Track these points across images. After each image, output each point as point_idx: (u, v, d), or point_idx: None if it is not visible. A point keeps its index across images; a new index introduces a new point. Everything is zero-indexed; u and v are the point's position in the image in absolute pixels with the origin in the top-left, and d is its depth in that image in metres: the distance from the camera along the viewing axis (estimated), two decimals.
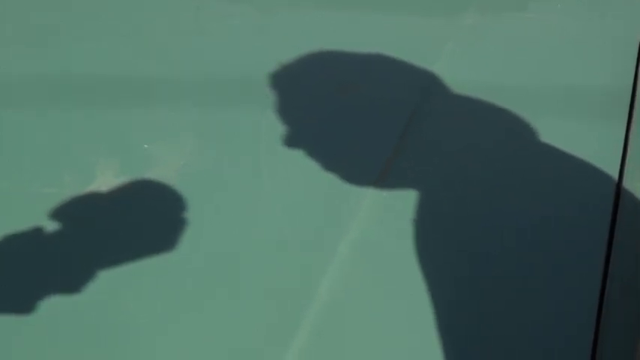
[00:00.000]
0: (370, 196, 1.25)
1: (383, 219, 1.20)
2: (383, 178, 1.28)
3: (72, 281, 1.07)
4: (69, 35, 1.70)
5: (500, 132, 1.40)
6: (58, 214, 1.18)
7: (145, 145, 1.35)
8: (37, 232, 1.15)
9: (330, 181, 1.27)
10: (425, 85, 1.51)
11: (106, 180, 1.26)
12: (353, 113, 1.46)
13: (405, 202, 1.23)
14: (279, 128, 1.38)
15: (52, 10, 1.79)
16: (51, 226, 1.16)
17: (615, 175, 1.26)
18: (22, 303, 1.04)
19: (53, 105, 1.48)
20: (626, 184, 1.24)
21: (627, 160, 1.29)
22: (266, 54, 1.56)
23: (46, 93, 1.51)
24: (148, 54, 1.62)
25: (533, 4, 1.85)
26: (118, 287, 1.07)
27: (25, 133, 1.39)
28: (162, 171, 1.29)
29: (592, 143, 1.35)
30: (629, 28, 1.69)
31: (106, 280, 1.08)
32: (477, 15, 1.79)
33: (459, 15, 1.78)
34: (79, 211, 1.20)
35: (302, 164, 1.31)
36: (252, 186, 1.28)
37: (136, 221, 1.20)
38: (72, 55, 1.62)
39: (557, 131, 1.37)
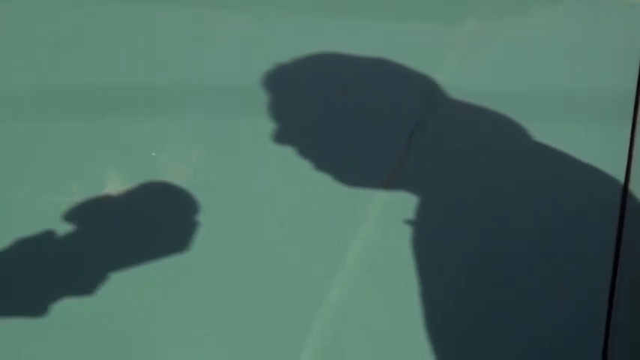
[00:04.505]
0: (377, 202, 1.25)
1: (391, 224, 1.21)
2: (390, 183, 1.28)
3: (82, 289, 1.08)
4: (73, 47, 1.70)
5: (504, 137, 1.41)
6: (68, 222, 1.19)
7: (153, 153, 1.36)
8: (48, 240, 1.15)
9: (337, 187, 1.28)
10: (428, 91, 1.51)
11: (114, 188, 1.26)
12: (358, 120, 1.46)
13: (412, 207, 1.23)
14: (284, 135, 1.38)
15: (56, 22, 1.80)
16: (61, 234, 1.16)
17: (621, 177, 1.27)
18: (33, 310, 1.04)
19: (59, 115, 1.48)
20: (633, 185, 1.25)
21: (633, 162, 1.30)
22: (267, 61, 1.57)
23: (52, 104, 1.51)
24: (152, 64, 1.63)
25: (534, 9, 1.85)
26: (128, 295, 1.08)
27: (34, 144, 1.39)
28: (169, 179, 1.29)
29: (597, 146, 1.35)
30: (631, 31, 1.70)
31: (116, 288, 1.08)
32: (478, 21, 1.79)
33: (460, 21, 1.78)
34: (88, 220, 1.21)
35: (309, 170, 1.31)
36: (258, 192, 1.28)
37: (144, 229, 1.20)
38: (76, 66, 1.63)
39: (562, 135, 1.37)
